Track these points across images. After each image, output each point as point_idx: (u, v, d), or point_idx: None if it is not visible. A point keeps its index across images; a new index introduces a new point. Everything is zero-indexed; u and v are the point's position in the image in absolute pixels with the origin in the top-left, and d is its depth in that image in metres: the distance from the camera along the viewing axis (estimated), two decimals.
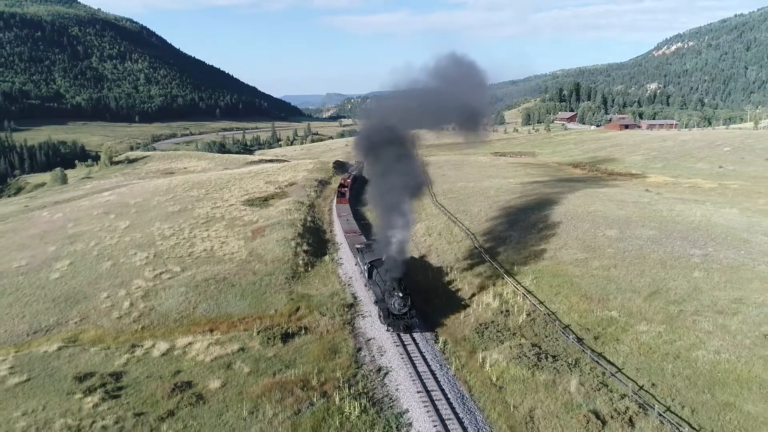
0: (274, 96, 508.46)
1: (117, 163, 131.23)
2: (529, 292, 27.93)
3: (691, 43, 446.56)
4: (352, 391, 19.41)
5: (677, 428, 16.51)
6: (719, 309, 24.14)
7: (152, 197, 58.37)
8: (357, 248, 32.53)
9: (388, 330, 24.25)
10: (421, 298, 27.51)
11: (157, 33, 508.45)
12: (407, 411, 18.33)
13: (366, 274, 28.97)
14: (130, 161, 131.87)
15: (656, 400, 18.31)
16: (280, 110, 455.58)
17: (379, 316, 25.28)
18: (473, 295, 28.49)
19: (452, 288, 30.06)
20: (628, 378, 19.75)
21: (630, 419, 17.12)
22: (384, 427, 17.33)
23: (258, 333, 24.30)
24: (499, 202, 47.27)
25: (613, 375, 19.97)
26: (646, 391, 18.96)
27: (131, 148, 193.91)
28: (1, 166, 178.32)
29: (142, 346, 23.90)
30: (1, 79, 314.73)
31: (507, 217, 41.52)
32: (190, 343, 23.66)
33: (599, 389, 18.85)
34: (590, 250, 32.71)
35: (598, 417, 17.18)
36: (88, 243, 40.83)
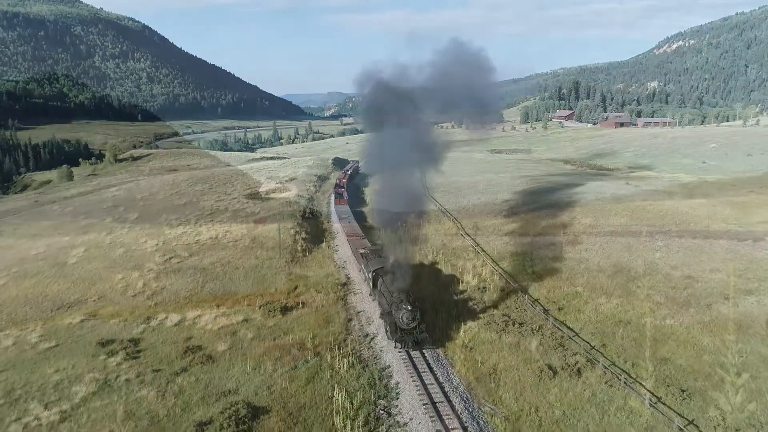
0: (276, 95, 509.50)
1: (121, 160, 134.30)
2: (506, 272, 30.77)
3: (692, 41, 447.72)
4: (342, 352, 22.24)
5: (617, 377, 19.33)
6: (672, 285, 26.94)
7: (158, 192, 61.32)
8: (361, 253, 30.81)
9: (396, 347, 22.32)
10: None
11: (158, 32, 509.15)
12: (389, 366, 21.19)
13: (370, 283, 27.49)
14: (134, 159, 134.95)
15: (604, 356, 21.11)
16: (282, 109, 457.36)
17: (386, 331, 23.54)
18: (455, 274, 31.33)
19: (437, 269, 32.90)
20: (583, 340, 22.56)
21: (578, 370, 19.92)
22: (368, 378, 20.16)
23: (260, 307, 27.15)
24: (487, 194, 50.12)
25: (570, 338, 22.80)
26: (597, 350, 21.75)
27: (134, 147, 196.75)
28: (6, 164, 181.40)
29: (156, 318, 26.77)
30: (5, 78, 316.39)
31: (493, 206, 44.38)
32: (199, 316, 26.54)
33: (556, 348, 21.66)
34: (564, 235, 35.59)
35: (550, 368, 19.99)
36: (100, 233, 43.77)
